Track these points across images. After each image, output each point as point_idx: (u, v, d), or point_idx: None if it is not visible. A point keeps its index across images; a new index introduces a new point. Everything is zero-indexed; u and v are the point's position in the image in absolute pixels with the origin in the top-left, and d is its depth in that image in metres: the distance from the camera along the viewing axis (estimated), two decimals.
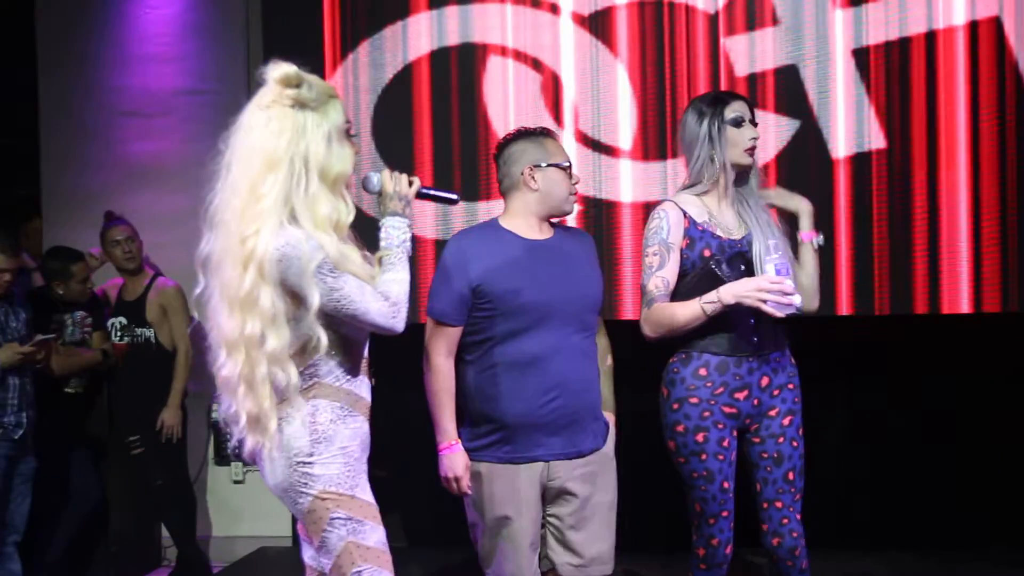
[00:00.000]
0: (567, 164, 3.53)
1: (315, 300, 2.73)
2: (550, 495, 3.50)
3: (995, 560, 5.23)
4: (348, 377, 2.89)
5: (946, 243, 5.32)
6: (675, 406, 3.58)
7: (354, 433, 2.87)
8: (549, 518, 3.53)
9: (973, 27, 5.29)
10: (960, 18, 5.29)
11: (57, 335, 5.40)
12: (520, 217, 3.52)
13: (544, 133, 3.58)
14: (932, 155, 5.32)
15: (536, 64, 5.62)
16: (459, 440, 3.48)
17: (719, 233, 3.56)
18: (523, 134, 3.57)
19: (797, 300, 3.36)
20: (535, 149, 3.51)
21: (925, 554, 5.38)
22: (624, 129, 5.55)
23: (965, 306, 5.32)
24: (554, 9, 5.59)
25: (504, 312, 3.41)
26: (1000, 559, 5.23)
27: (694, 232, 3.56)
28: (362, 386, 2.93)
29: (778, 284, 3.34)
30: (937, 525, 5.49)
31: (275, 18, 5.91)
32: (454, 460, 3.47)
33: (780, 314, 3.36)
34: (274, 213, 2.74)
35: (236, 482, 6.19)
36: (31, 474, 5.27)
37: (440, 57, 5.68)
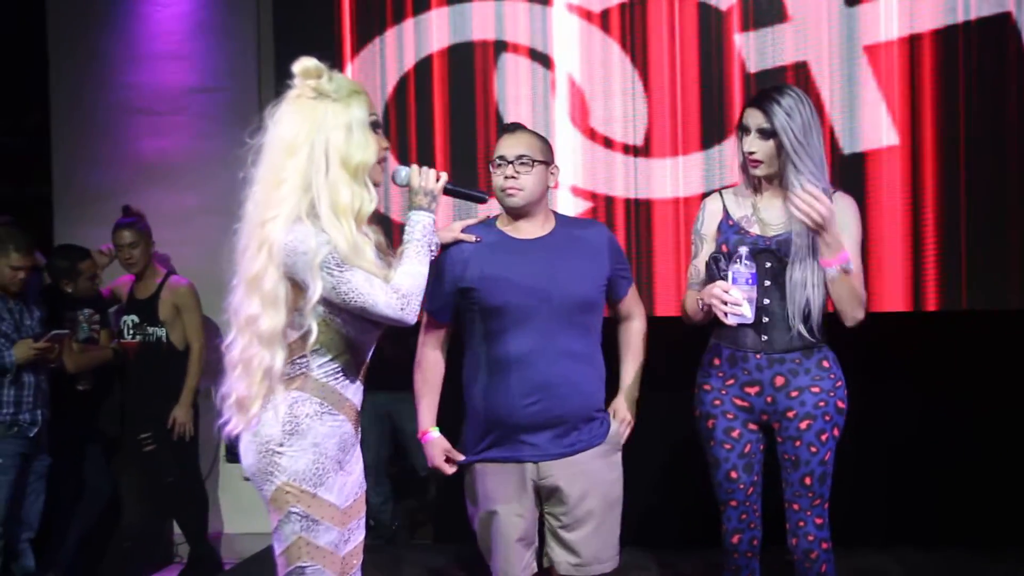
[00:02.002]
0: (493, 159, 3.50)
1: (316, 292, 2.77)
2: (544, 493, 3.50)
3: (1009, 559, 5.20)
4: (338, 377, 2.91)
5: (965, 238, 5.29)
6: (696, 391, 3.70)
7: (331, 431, 2.89)
8: (547, 516, 3.54)
9: (984, 23, 5.26)
10: (971, 14, 5.27)
11: (71, 332, 5.41)
12: (505, 217, 3.54)
13: (502, 130, 3.58)
14: (945, 151, 5.30)
15: (546, 61, 5.61)
16: (432, 429, 3.54)
17: (753, 230, 3.57)
18: None
19: (743, 311, 3.39)
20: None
21: (938, 552, 5.36)
22: (635, 126, 5.55)
23: (985, 303, 5.31)
24: (565, 6, 5.59)
25: (486, 311, 3.43)
26: (1014, 557, 5.20)
27: (724, 226, 3.62)
28: (350, 388, 2.94)
29: (721, 293, 3.40)
30: (951, 523, 5.47)
31: (286, 15, 5.91)
32: (429, 448, 3.54)
33: (727, 321, 3.41)
34: (293, 198, 2.80)
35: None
36: (45, 471, 5.30)
37: (453, 53, 5.69)
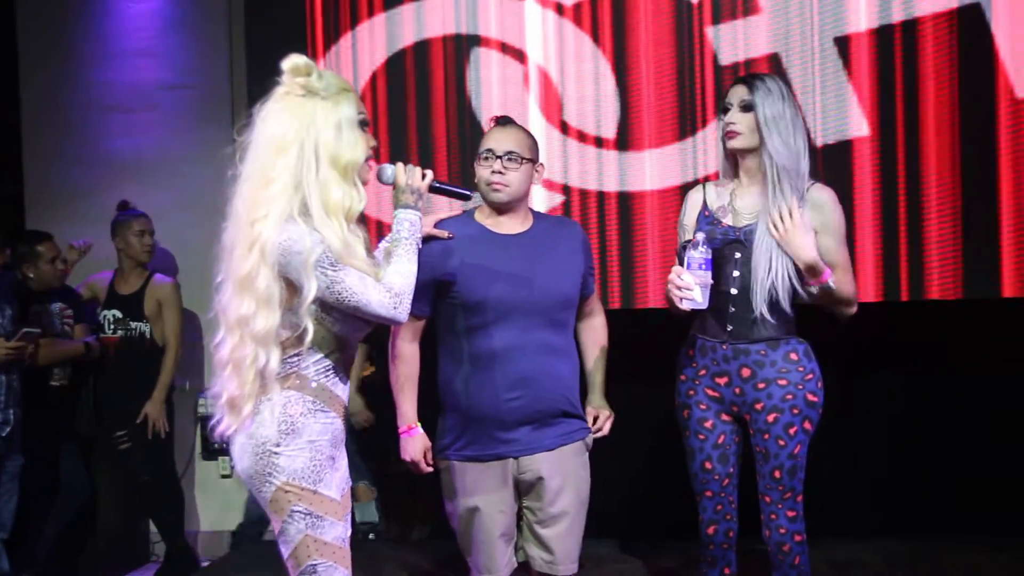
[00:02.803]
0: (481, 152, 3.49)
1: (311, 292, 2.77)
2: (524, 487, 3.51)
3: (982, 546, 5.24)
4: (329, 374, 2.92)
5: (937, 228, 5.30)
6: (677, 382, 3.73)
7: (324, 428, 2.89)
8: (524, 510, 3.55)
9: (954, 14, 5.28)
10: (942, 5, 5.29)
11: (43, 328, 5.37)
12: (485, 211, 3.53)
13: (492, 123, 3.57)
14: (915, 142, 5.32)
15: (519, 55, 5.61)
16: (417, 424, 3.52)
17: (726, 220, 3.59)
18: None
19: (695, 296, 3.37)
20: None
21: (916, 542, 5.38)
22: (608, 119, 5.55)
23: (951, 292, 5.33)
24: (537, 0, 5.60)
25: (467, 307, 3.42)
26: (987, 545, 5.24)
27: (701, 217, 3.65)
28: (339, 385, 2.95)
29: (675, 278, 3.39)
30: (929, 513, 5.50)
31: (256, 12, 5.90)
32: (411, 443, 3.51)
33: (681, 307, 3.41)
34: (283, 197, 2.79)
35: (224, 476, 6.19)
36: (18, 471, 5.27)
37: (425, 48, 5.68)
